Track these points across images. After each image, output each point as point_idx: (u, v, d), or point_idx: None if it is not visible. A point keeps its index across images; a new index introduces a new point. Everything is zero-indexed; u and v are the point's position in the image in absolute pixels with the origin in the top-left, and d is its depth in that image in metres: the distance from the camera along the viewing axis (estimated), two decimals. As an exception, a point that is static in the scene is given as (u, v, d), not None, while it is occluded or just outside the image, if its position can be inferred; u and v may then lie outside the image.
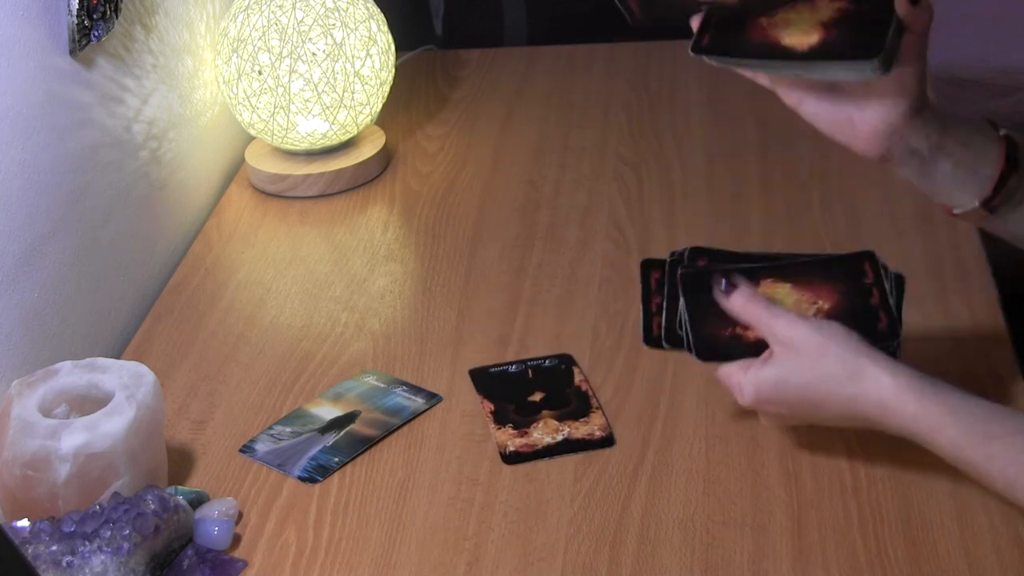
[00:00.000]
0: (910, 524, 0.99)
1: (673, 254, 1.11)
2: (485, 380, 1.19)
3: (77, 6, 1.19)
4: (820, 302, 1.03)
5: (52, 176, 1.20)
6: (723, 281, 1.02)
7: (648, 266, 1.13)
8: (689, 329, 1.04)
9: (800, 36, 0.99)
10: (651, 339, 1.10)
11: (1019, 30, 2.04)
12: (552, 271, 1.35)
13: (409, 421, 1.14)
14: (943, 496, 1.01)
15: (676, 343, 1.07)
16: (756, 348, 1.01)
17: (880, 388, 0.94)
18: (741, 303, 1.00)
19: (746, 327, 1.02)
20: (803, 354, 0.97)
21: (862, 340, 0.96)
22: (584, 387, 1.16)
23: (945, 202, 1.03)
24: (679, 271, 1.07)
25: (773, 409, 1.00)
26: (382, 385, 1.19)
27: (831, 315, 1.02)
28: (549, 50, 1.88)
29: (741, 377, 1.00)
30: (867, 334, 0.98)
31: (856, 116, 1.00)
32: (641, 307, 1.11)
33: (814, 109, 1.02)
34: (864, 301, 1.04)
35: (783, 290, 1.05)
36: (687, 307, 1.04)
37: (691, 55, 1.01)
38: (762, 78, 1.04)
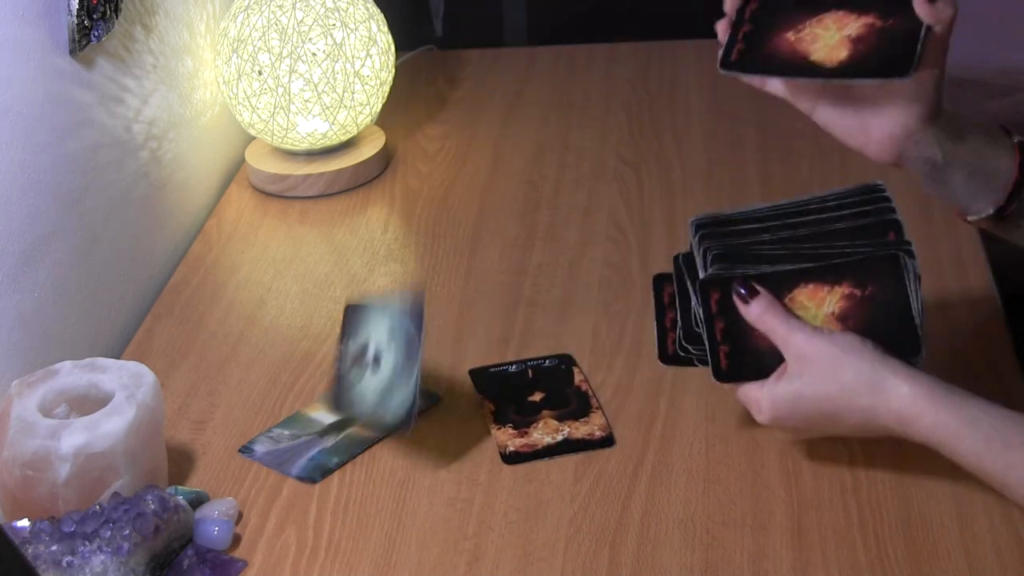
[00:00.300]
0: (910, 524, 0.99)
1: (678, 257, 1.06)
2: (485, 380, 1.19)
3: (77, 6, 1.19)
4: (848, 320, 0.99)
5: (52, 176, 1.20)
6: (742, 289, 0.99)
7: (661, 280, 1.11)
8: (708, 347, 1.00)
9: (829, 51, 0.97)
10: (666, 357, 1.08)
11: (1019, 30, 2.04)
12: (552, 271, 1.35)
13: (409, 421, 1.14)
14: (943, 496, 1.01)
15: (690, 361, 1.05)
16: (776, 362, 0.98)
17: (897, 399, 0.93)
18: (759, 313, 0.98)
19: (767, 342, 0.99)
20: (818, 367, 0.95)
21: (877, 349, 0.95)
22: (584, 387, 1.16)
23: (958, 208, 1.02)
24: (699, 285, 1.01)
25: (791, 424, 0.99)
26: (382, 385, 1.19)
27: (859, 327, 0.98)
28: (549, 50, 1.88)
29: (758, 394, 0.98)
30: (893, 347, 0.96)
31: (871, 121, 0.99)
32: (655, 324, 1.10)
33: (828, 115, 1.02)
34: (894, 309, 0.99)
35: (809, 302, 1.00)
36: (707, 331, 1.00)
37: (721, 72, 1.00)
38: (774, 85, 1.03)
